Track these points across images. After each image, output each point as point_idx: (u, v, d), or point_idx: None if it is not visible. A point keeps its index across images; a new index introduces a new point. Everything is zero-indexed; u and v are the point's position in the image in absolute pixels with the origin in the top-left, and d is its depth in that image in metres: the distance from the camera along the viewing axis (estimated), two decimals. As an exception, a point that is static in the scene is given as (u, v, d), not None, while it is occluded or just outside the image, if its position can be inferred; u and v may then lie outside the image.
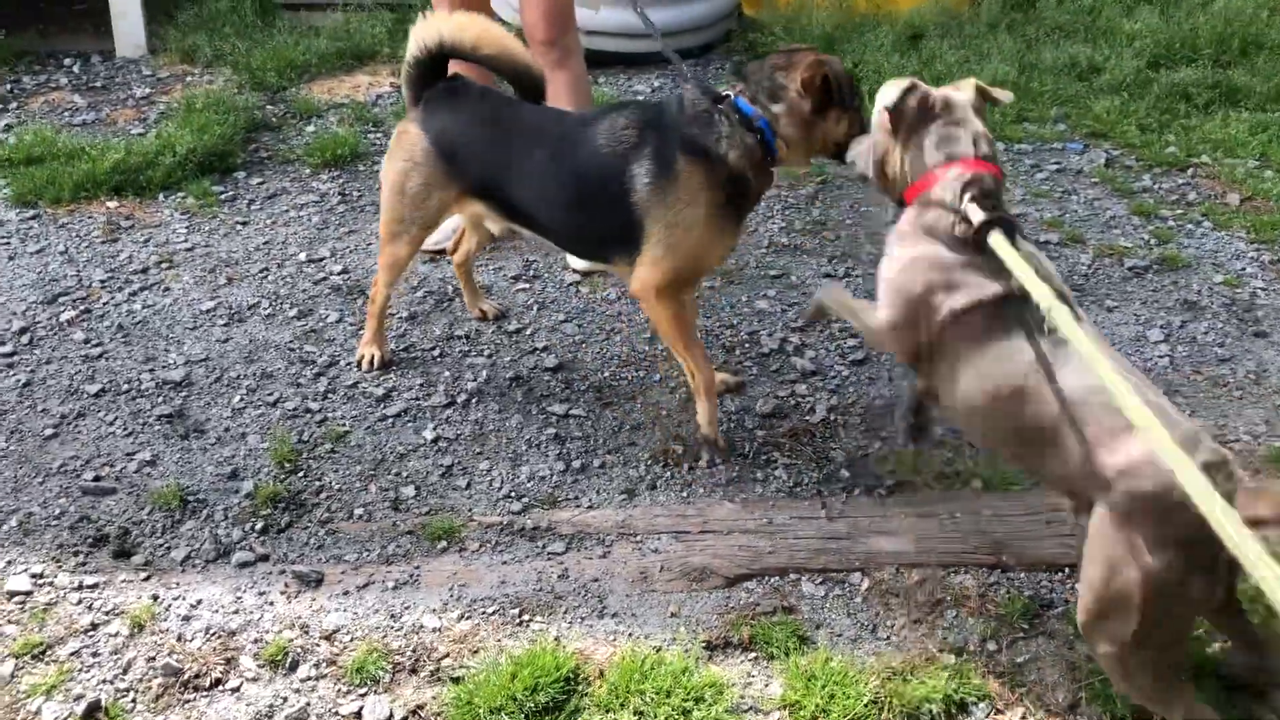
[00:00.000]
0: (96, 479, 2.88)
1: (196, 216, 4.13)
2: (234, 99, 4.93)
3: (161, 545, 2.69)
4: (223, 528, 2.74)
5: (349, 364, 3.31)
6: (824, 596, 2.57)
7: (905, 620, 2.50)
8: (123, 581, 2.59)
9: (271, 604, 2.53)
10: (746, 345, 3.39)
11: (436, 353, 3.40)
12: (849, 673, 2.33)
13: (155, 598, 2.54)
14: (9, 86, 5.27)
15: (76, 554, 2.66)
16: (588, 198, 2.79)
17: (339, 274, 3.79)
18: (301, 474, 2.90)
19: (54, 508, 2.79)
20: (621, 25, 5.32)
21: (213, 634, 2.45)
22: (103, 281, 3.71)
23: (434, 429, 3.07)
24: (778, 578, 2.61)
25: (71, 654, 2.40)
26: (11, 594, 2.53)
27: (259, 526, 2.74)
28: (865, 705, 2.25)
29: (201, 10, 5.87)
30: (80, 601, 2.53)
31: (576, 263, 3.79)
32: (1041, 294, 1.97)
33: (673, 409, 3.14)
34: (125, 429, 3.05)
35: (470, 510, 2.81)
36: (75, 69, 5.50)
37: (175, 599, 2.54)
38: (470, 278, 3.52)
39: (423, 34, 2.89)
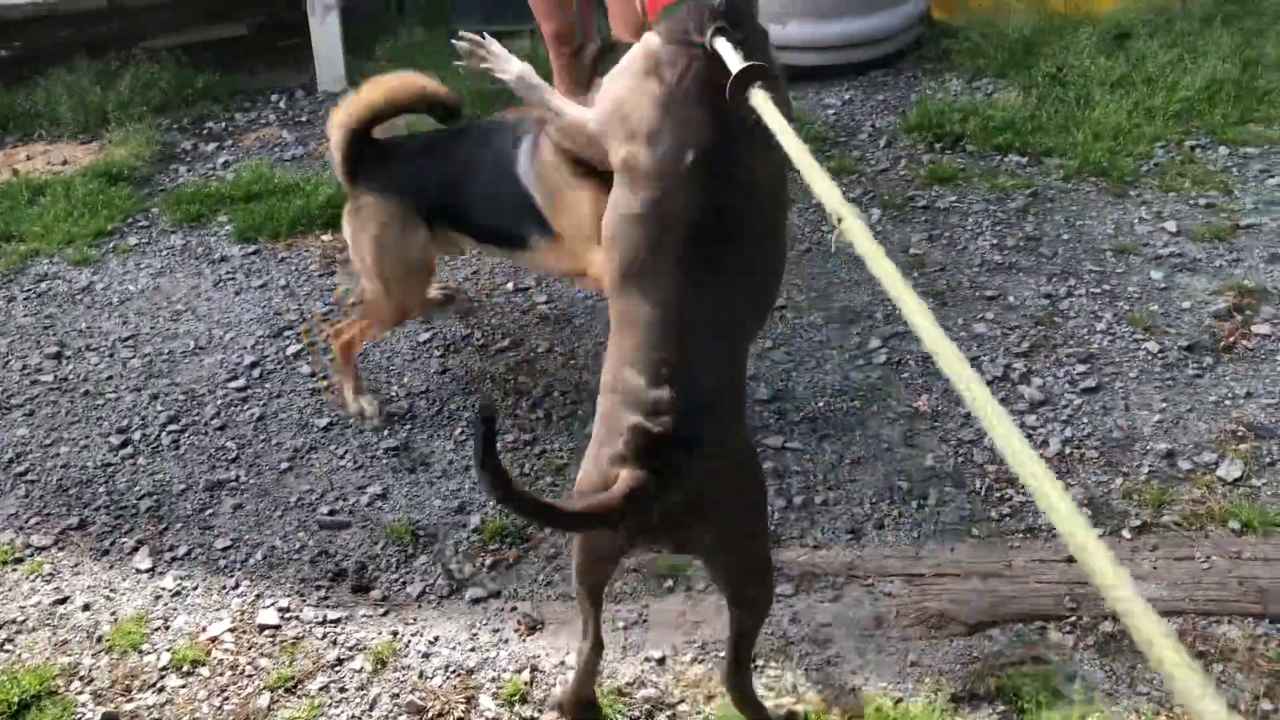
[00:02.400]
0: (331, 513, 2.98)
1: (405, 248, 4.24)
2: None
3: (397, 580, 2.76)
4: (454, 563, 2.79)
5: (562, 394, 3.34)
6: (1073, 645, 2.44)
7: (1167, 675, 2.34)
8: (363, 616, 2.67)
9: (506, 641, 2.56)
10: (968, 373, 3.25)
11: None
12: (1108, 731, 2.21)
13: (395, 634, 2.60)
14: (224, 124, 5.55)
15: (318, 588, 2.76)
16: None
17: (544, 303, 3.83)
18: (525, 509, 2.93)
19: (294, 541, 2.90)
20: (808, 39, 5.25)
21: (452, 671, 2.49)
22: (323, 315, 3.85)
23: (650, 462, 3.05)
24: (1021, 625, 2.49)
25: (320, 689, 2.48)
26: (263, 627, 2.64)
27: (489, 562, 2.78)
28: (1132, 769, 2.13)
29: (397, 43, 6.07)
30: (325, 636, 2.62)
31: None
32: (836, 203, 1.43)
33: (894, 442, 3.04)
34: (355, 462, 3.15)
35: (693, 547, 2.78)
36: (281, 104, 5.76)
37: (414, 635, 2.60)
38: None
39: (349, 112, 3.07)
